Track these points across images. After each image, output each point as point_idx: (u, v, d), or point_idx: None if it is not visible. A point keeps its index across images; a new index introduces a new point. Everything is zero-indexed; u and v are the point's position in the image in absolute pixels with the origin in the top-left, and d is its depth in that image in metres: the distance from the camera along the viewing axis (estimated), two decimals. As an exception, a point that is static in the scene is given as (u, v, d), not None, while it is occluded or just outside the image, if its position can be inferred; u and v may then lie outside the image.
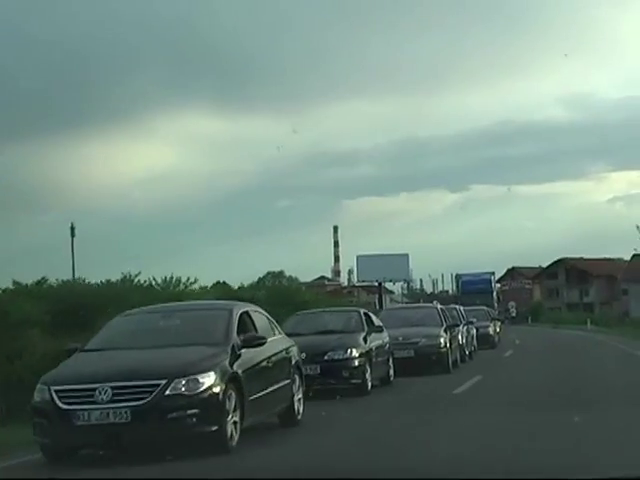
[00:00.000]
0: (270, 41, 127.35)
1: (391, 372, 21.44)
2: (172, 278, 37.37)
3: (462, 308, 36.08)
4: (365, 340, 19.76)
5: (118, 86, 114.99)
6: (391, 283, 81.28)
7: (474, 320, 36.07)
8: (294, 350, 14.56)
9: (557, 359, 29.91)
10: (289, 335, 19.55)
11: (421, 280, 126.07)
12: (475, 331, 36.10)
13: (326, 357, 18.66)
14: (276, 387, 13.15)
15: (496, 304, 76.24)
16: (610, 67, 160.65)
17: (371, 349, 19.76)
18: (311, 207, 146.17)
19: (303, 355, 18.26)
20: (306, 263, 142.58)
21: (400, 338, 23.95)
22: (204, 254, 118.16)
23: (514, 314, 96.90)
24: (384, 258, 69.49)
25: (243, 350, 12.25)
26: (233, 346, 12.13)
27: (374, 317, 22.00)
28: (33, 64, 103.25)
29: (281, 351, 13.78)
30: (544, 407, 15.13)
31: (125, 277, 35.08)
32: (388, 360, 21.35)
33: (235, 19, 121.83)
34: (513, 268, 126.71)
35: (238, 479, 9.00)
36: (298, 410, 14.12)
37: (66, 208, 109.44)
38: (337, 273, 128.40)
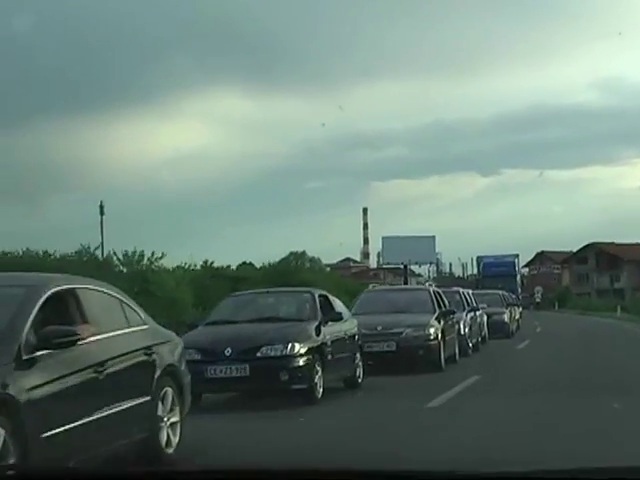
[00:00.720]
0: (301, 23, 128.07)
1: (359, 372, 16.64)
2: (135, 253, 32.52)
3: (470, 292, 31.17)
4: (317, 331, 14.96)
5: (147, 66, 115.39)
6: (419, 266, 79.36)
7: (484, 306, 31.20)
8: (172, 350, 9.76)
9: (579, 353, 25.02)
10: (215, 323, 15.08)
11: (451, 264, 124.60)
12: (486, 318, 31.26)
13: (259, 353, 14.02)
14: (118, 410, 8.36)
15: (519, 288, 71.02)
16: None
17: (325, 343, 14.95)
18: (341, 189, 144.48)
19: (228, 350, 13.76)
20: (335, 245, 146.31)
21: (379, 327, 19.21)
22: (232, 235, 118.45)
23: (539, 299, 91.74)
24: (410, 240, 67.20)
25: (42, 353, 7.46)
26: (19, 347, 7.34)
27: (337, 301, 17.18)
28: (63, 44, 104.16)
29: (133, 352, 8.94)
30: (551, 429, 10.36)
31: (82, 250, 30.50)
32: (354, 357, 16.55)
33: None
34: (542, 252, 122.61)
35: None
36: (169, 440, 9.33)
37: (95, 187, 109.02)
38: (366, 255, 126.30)
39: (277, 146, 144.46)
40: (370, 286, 44.91)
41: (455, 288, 30.68)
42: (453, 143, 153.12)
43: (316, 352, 14.48)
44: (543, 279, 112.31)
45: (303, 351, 14.17)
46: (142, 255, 32.04)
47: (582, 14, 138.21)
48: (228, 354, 13.77)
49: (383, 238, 73.61)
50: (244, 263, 54.73)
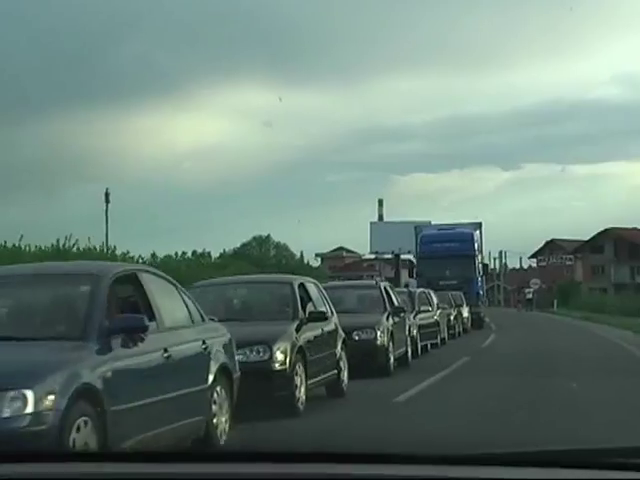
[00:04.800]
0: (321, 16, 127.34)
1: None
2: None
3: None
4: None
5: (168, 58, 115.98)
6: (413, 255, 63.75)
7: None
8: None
9: None
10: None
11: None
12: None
13: None
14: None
15: (480, 278, 44.60)
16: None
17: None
18: (361, 183, 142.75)
19: None
20: (354, 237, 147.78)
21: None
22: (247, 227, 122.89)
23: (530, 296, 70.73)
24: (400, 226, 58.39)
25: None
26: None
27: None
28: (79, 34, 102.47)
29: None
30: None
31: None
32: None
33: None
34: (552, 240, 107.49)
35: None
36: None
37: (114, 179, 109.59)
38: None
39: (297, 139, 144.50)
40: None
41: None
42: (474, 137, 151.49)
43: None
44: (554, 271, 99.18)
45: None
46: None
47: (602, 8, 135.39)
48: None
49: (371, 224, 68.24)
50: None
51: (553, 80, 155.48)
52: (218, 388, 9.00)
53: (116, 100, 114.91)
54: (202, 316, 9.25)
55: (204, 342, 8.85)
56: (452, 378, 17.07)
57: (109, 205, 54.59)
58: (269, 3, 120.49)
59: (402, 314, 19.98)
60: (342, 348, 13.90)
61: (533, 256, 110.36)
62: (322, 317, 12.61)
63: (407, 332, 20.44)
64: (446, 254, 41.53)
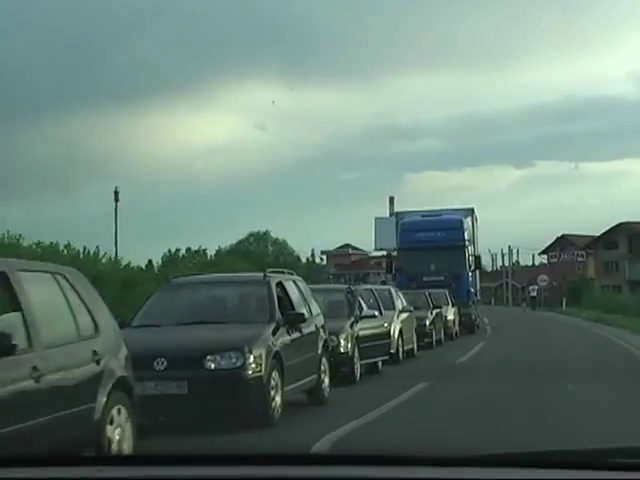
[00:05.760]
0: (336, 13, 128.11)
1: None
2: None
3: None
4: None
5: (182, 58, 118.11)
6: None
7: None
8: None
9: None
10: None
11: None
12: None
13: None
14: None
15: (471, 273, 37.37)
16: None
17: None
18: (374, 180, 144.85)
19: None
20: (364, 235, 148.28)
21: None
22: (254, 225, 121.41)
23: (534, 293, 65.09)
24: None
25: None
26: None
27: None
28: (96, 36, 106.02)
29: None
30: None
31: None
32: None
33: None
34: (563, 236, 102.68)
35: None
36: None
37: (126, 177, 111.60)
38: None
39: (311, 137, 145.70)
40: None
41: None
42: (487, 135, 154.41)
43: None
44: (565, 268, 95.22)
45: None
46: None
47: (618, 5, 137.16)
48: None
49: (376, 219, 64.46)
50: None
51: (567, 77, 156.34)
52: None
53: (129, 100, 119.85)
54: None
55: None
56: (374, 429, 10.72)
57: (118, 204, 54.01)
58: (287, 3, 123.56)
59: (303, 324, 13.88)
60: (111, 395, 7.93)
61: (544, 252, 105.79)
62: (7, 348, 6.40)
63: (321, 351, 14.51)
64: (431, 245, 34.94)
